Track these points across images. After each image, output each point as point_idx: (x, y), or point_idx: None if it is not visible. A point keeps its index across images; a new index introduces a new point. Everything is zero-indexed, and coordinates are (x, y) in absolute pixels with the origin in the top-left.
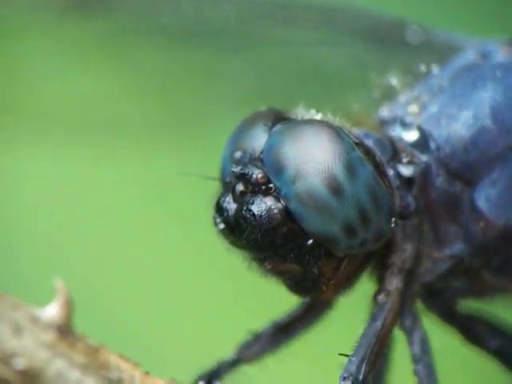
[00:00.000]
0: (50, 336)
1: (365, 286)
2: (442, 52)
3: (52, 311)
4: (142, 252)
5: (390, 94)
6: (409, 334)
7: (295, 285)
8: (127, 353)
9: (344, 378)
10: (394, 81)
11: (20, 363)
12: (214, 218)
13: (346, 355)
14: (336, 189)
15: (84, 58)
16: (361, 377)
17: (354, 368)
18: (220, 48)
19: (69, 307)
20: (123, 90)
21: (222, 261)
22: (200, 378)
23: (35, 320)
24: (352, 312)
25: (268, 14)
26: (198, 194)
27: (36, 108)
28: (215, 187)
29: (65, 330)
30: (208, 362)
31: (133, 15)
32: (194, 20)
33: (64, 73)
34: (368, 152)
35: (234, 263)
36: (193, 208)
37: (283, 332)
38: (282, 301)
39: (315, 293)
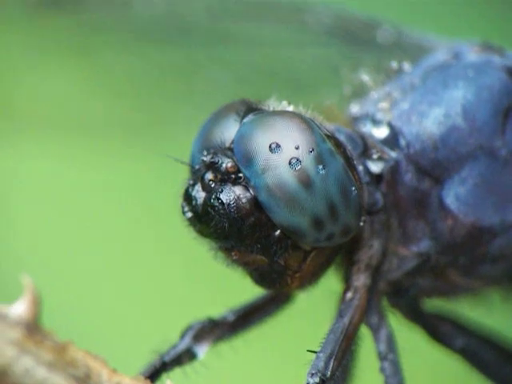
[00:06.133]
0: (17, 333)
1: (332, 283)
2: (414, 52)
3: (20, 308)
4: (115, 251)
5: (361, 91)
6: (375, 331)
7: (261, 276)
8: (95, 350)
9: (312, 375)
10: (366, 77)
11: None
12: (182, 207)
13: (314, 352)
14: (305, 181)
15: (55, 55)
16: (328, 373)
17: (321, 364)
18: (191, 45)
19: (37, 304)
20: (93, 89)
21: (196, 260)
22: (147, 368)
23: (3, 317)
24: (320, 309)
25: (240, 12)
26: (173, 193)
27: (4, 105)
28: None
29: (32, 328)
30: (158, 348)
31: (104, 12)
32: (166, 17)
33: (34, 70)
34: (339, 145)
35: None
36: (167, 207)
37: (240, 321)
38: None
39: (280, 285)
